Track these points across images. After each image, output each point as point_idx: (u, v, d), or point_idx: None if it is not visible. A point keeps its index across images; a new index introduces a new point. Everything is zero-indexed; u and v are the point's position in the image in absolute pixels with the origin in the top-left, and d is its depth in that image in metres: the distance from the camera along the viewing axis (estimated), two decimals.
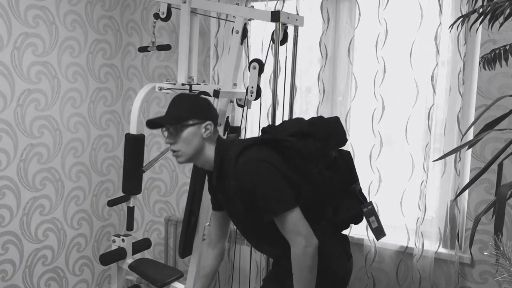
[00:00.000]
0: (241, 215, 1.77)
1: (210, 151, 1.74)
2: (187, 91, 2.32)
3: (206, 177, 1.97)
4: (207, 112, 1.75)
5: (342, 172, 1.79)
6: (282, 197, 1.61)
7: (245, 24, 2.21)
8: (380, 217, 2.37)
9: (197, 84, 2.39)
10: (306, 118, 1.87)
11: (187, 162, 1.77)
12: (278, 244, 1.69)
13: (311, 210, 1.70)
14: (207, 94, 2.19)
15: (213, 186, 1.84)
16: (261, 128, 1.89)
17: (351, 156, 1.88)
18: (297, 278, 1.62)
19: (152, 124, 1.75)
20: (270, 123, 2.24)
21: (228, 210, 1.84)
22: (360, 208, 1.82)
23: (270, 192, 1.62)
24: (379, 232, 1.90)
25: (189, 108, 1.72)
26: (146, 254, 3.05)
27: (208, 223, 2.36)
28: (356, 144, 2.44)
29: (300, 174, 1.70)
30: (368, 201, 1.86)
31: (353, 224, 1.87)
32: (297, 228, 1.60)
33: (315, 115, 2.48)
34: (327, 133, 1.79)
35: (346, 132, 2.40)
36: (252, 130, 2.72)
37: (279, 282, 1.79)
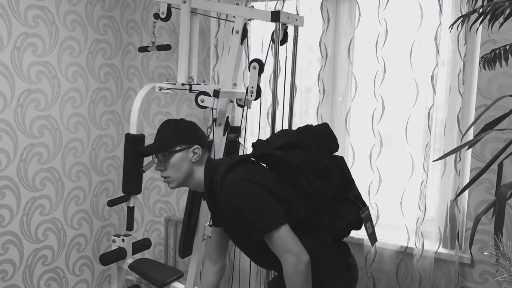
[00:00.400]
0: (237, 233, 1.79)
1: (200, 173, 1.77)
2: (187, 91, 2.32)
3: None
4: (193, 136, 1.79)
5: (334, 180, 1.76)
6: (268, 215, 1.59)
7: (245, 24, 2.21)
8: (380, 217, 2.39)
9: (197, 84, 2.39)
10: (306, 118, 1.87)
11: (179, 187, 1.81)
12: (278, 260, 1.64)
13: (307, 220, 1.69)
14: (207, 94, 2.19)
15: (209, 205, 1.86)
16: (251, 144, 1.88)
17: (345, 162, 1.84)
18: None
19: (142, 153, 1.84)
20: (269, 128, 2.25)
21: (225, 228, 1.86)
22: (358, 213, 1.79)
23: (255, 211, 1.61)
24: (373, 237, 1.90)
25: (175, 134, 1.77)
26: (146, 254, 3.05)
27: (208, 223, 2.36)
28: (356, 144, 2.44)
29: (292, 186, 1.70)
30: (365, 205, 1.83)
31: (354, 230, 1.84)
32: (286, 246, 1.58)
33: (315, 115, 2.49)
34: (316, 141, 1.78)
35: (347, 132, 2.42)
36: (252, 130, 2.72)
37: None
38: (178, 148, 1.75)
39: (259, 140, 1.88)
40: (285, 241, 1.58)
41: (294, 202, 1.66)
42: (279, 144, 1.76)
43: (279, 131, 1.93)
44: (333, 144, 1.83)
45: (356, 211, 1.79)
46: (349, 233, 1.82)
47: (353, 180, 1.84)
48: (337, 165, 1.80)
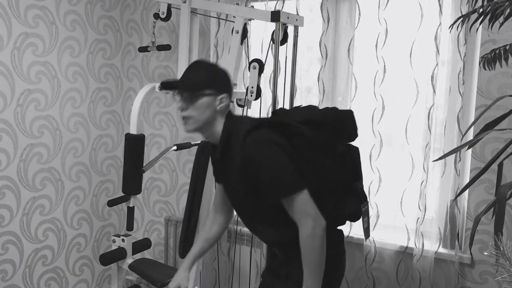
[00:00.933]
0: (239, 194, 1.73)
1: (219, 124, 1.69)
2: None
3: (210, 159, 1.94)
4: (224, 84, 1.69)
5: (347, 168, 1.77)
6: (291, 178, 1.59)
7: (245, 24, 2.21)
8: (380, 217, 2.39)
9: None
10: None
11: (194, 131, 1.70)
12: (273, 229, 1.69)
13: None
14: None
15: (215, 160, 1.80)
16: (271, 110, 1.85)
17: (359, 152, 1.84)
18: (306, 262, 1.60)
19: (167, 85, 1.68)
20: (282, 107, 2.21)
21: (226, 188, 1.79)
22: (359, 206, 1.81)
23: (278, 173, 1.59)
24: (367, 232, 1.91)
25: (208, 76, 1.67)
26: (146, 254, 3.05)
27: None
28: (356, 144, 2.44)
29: (305, 163, 1.67)
30: (367, 200, 1.85)
31: (350, 221, 1.85)
32: (306, 209, 1.58)
33: None
34: (339, 124, 1.77)
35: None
36: None
37: (279, 283, 1.77)
38: (207, 91, 1.65)
39: (281, 109, 1.87)
40: (305, 205, 1.58)
41: (306, 179, 1.63)
42: (302, 118, 1.74)
43: (305, 106, 1.90)
44: (354, 131, 1.84)
45: (358, 204, 1.80)
46: (345, 222, 1.83)
47: (361, 173, 1.84)
48: (351, 156, 1.81)
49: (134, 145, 2.33)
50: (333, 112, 1.81)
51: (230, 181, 1.74)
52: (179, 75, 2.37)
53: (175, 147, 2.34)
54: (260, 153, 1.59)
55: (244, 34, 2.23)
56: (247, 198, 1.69)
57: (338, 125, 1.77)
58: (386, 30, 2.27)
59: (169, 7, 2.48)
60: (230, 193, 1.79)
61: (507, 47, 1.52)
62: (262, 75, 2.18)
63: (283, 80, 2.28)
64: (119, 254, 2.43)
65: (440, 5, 2.16)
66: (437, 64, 2.19)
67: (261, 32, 2.57)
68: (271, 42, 2.27)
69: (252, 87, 2.13)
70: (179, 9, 2.39)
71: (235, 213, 1.88)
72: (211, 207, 1.96)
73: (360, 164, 1.84)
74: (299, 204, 1.58)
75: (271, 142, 1.61)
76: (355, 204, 1.80)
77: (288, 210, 1.61)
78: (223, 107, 1.68)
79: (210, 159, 1.92)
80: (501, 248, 1.03)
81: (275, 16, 2.10)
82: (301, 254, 1.60)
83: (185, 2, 2.35)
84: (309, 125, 1.71)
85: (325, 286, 1.65)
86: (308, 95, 2.61)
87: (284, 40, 2.23)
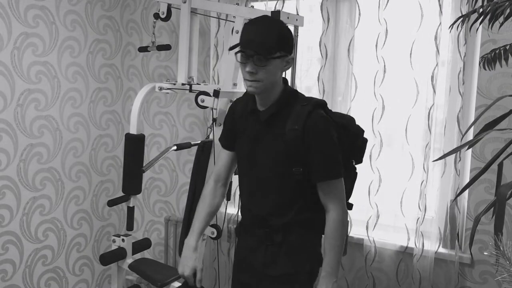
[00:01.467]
0: (273, 161, 1.68)
1: (278, 87, 1.67)
2: (187, 91, 2.32)
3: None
4: (292, 45, 1.67)
5: (346, 184, 1.77)
6: (340, 164, 1.66)
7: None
8: (380, 217, 2.39)
9: (197, 84, 2.39)
10: None
11: (260, 94, 1.66)
12: (289, 207, 1.69)
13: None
14: (207, 94, 2.19)
15: (245, 122, 1.74)
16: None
17: (356, 177, 1.90)
18: (332, 245, 1.64)
19: (252, 43, 1.58)
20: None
21: (253, 154, 1.72)
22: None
23: (333, 155, 1.64)
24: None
25: (279, 38, 1.60)
26: (146, 254, 3.05)
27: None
28: None
29: None
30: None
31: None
32: (341, 196, 1.67)
33: None
34: (356, 136, 1.84)
35: None
36: None
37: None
38: (278, 54, 1.59)
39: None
40: (342, 192, 1.68)
41: None
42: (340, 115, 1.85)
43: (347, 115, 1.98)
44: (362, 153, 1.92)
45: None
46: None
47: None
48: (354, 176, 1.89)
49: (134, 145, 2.33)
50: (353, 121, 1.86)
51: (268, 146, 1.69)
52: (179, 75, 2.38)
53: (175, 147, 2.34)
54: (326, 129, 1.63)
55: None
56: (281, 167, 1.67)
57: (355, 137, 1.82)
58: (386, 30, 2.27)
59: (169, 7, 2.47)
60: (257, 160, 1.72)
61: (507, 47, 1.52)
62: None
63: None
64: (119, 254, 2.42)
65: (440, 5, 2.16)
66: (437, 64, 2.19)
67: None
68: None
69: None
70: (179, 9, 2.39)
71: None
72: (211, 177, 1.89)
73: (352, 188, 1.88)
74: (339, 189, 1.66)
75: (334, 125, 1.68)
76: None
77: (324, 193, 1.66)
78: (288, 68, 1.68)
79: (229, 120, 1.83)
80: (501, 248, 1.03)
81: (275, 16, 2.10)
82: (327, 239, 1.66)
83: (185, 2, 2.35)
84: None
85: (310, 273, 1.73)
86: (308, 95, 2.60)
87: None
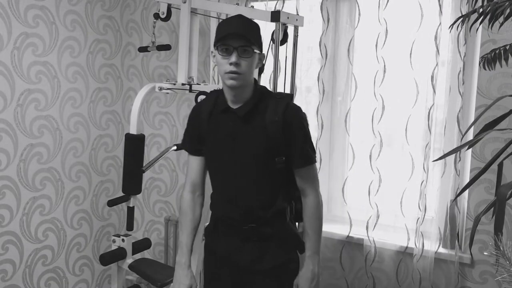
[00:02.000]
0: (254, 155, 1.72)
1: (251, 83, 1.73)
2: (187, 91, 2.32)
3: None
4: (262, 43, 1.75)
5: None
6: (314, 150, 1.79)
7: None
8: (380, 217, 2.38)
9: (197, 84, 2.39)
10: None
11: (237, 88, 1.68)
12: (271, 197, 1.75)
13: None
14: (207, 94, 2.19)
15: (215, 122, 1.76)
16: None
17: None
18: (314, 228, 1.77)
19: (236, 36, 1.62)
20: None
21: (230, 151, 1.74)
22: None
23: (310, 142, 1.77)
24: None
25: (257, 33, 1.70)
26: (146, 254, 3.05)
27: (208, 223, 2.36)
28: (356, 144, 2.45)
29: None
30: None
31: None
32: (317, 179, 1.79)
33: (315, 115, 2.49)
34: None
35: (346, 132, 2.43)
36: None
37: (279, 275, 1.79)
38: (258, 48, 1.69)
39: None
40: (317, 176, 1.80)
41: None
42: None
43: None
44: None
45: None
46: None
47: None
48: None
49: (134, 145, 2.33)
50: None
51: (248, 141, 1.72)
52: (179, 75, 2.38)
53: (175, 147, 2.34)
54: (303, 120, 1.76)
55: None
56: (264, 159, 1.72)
57: None
58: (386, 30, 2.27)
59: (169, 7, 2.47)
60: (237, 156, 1.74)
61: (507, 47, 1.53)
62: (262, 75, 2.18)
63: (283, 80, 2.28)
64: (119, 254, 2.43)
65: (440, 5, 2.16)
66: (437, 64, 2.19)
67: (261, 32, 2.56)
68: (271, 42, 2.27)
69: None
70: (179, 9, 2.39)
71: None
72: (186, 188, 1.88)
73: None
74: (315, 174, 1.78)
75: (305, 115, 1.80)
76: None
77: (302, 178, 1.76)
78: (260, 65, 1.75)
79: (197, 124, 1.84)
80: (501, 248, 1.03)
81: (275, 16, 2.10)
82: (308, 221, 1.77)
83: (185, 2, 2.35)
84: None
85: (298, 262, 1.83)
86: (308, 95, 2.61)
87: (284, 40, 2.23)
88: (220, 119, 1.76)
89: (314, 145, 1.82)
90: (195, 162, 1.87)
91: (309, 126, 1.79)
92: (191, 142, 1.87)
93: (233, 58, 1.62)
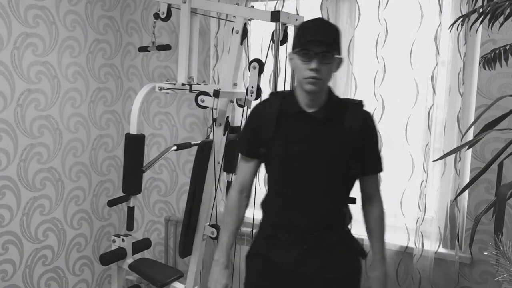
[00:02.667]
0: (328, 160, 1.68)
1: (326, 87, 1.72)
2: (187, 91, 2.32)
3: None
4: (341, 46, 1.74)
5: None
6: None
7: (245, 24, 2.21)
8: None
9: (197, 84, 2.39)
10: None
11: (317, 92, 1.66)
12: (340, 202, 1.76)
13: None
14: (207, 94, 2.19)
15: (284, 125, 1.70)
16: None
17: None
18: (382, 232, 1.79)
19: (318, 42, 1.59)
20: None
21: (305, 155, 1.68)
22: None
23: (380, 149, 1.80)
24: None
25: (339, 38, 1.68)
26: (146, 254, 3.05)
27: (208, 223, 2.36)
28: None
29: None
30: None
31: None
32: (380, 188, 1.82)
33: None
34: None
35: None
36: None
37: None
38: (338, 54, 1.67)
39: None
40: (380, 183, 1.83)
41: None
42: None
43: None
44: None
45: None
46: None
47: None
48: None
49: (134, 145, 2.33)
50: None
51: (325, 146, 1.68)
52: (179, 75, 2.38)
53: (175, 147, 2.34)
54: (375, 126, 1.77)
55: (244, 34, 2.23)
56: (339, 164, 1.69)
57: None
58: (386, 30, 2.27)
59: (169, 7, 2.47)
60: (311, 160, 1.68)
61: (507, 47, 1.53)
62: (262, 75, 2.18)
63: (283, 80, 2.28)
64: (119, 254, 2.43)
65: (440, 5, 2.16)
66: (437, 64, 2.19)
67: (261, 32, 2.57)
68: (271, 42, 2.27)
69: (252, 87, 2.13)
70: (179, 9, 2.39)
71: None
72: (234, 188, 1.83)
73: None
74: (379, 180, 1.82)
75: None
76: None
77: (373, 184, 1.79)
78: (338, 69, 1.73)
79: (273, 124, 1.74)
80: (501, 248, 1.02)
81: (275, 16, 2.09)
82: (377, 226, 1.79)
83: (185, 2, 2.34)
84: None
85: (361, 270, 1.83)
86: None
87: (284, 40, 2.22)
88: (292, 122, 1.70)
89: None
90: (249, 165, 1.81)
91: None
92: (250, 145, 1.78)
93: (314, 64, 1.59)
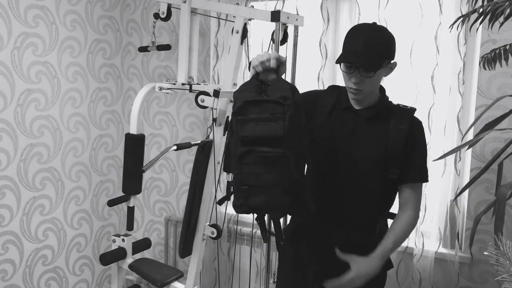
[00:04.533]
0: (369, 158, 1.65)
1: (377, 90, 1.69)
2: (187, 91, 2.32)
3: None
4: (395, 51, 1.64)
5: None
6: (427, 169, 1.73)
7: (245, 24, 2.21)
8: None
9: (197, 84, 2.39)
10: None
11: (361, 99, 1.66)
12: (375, 206, 1.70)
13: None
14: (207, 94, 2.19)
15: (333, 116, 1.69)
16: None
17: None
18: (398, 238, 1.65)
19: (357, 54, 1.55)
20: None
21: (349, 149, 1.66)
22: None
23: (426, 160, 1.71)
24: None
25: (385, 48, 1.59)
26: (146, 254, 3.05)
27: (208, 223, 2.36)
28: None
29: None
30: None
31: None
32: (420, 200, 1.73)
33: None
34: None
35: None
36: None
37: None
38: (383, 63, 1.59)
39: None
40: (421, 197, 1.75)
41: None
42: None
43: None
44: None
45: None
46: None
47: None
48: None
49: (134, 145, 2.33)
50: None
51: (368, 143, 1.66)
52: (179, 75, 2.38)
53: (175, 147, 2.34)
54: (424, 135, 1.71)
55: (244, 34, 2.23)
56: (377, 165, 1.65)
57: None
58: None
59: (169, 7, 2.47)
60: (354, 155, 1.66)
61: (507, 47, 1.53)
62: None
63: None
64: (119, 254, 2.43)
65: (440, 5, 2.16)
66: (437, 64, 2.19)
67: (261, 32, 2.57)
68: (271, 42, 2.27)
69: None
70: (179, 9, 2.39)
71: None
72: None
73: None
74: (421, 193, 1.74)
75: None
76: None
77: (411, 194, 1.67)
78: (390, 73, 1.68)
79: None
80: (501, 248, 1.02)
81: (275, 16, 2.09)
82: (398, 229, 1.66)
83: (185, 2, 2.35)
84: None
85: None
86: None
87: (284, 40, 2.22)
88: (340, 115, 1.70)
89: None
90: None
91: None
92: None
93: (354, 79, 1.59)
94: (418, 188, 1.71)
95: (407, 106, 1.71)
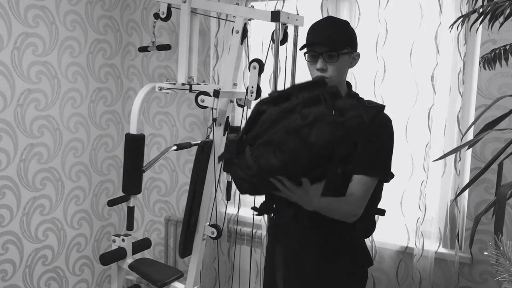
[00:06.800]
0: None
1: (343, 83, 1.71)
2: (187, 91, 2.32)
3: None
4: (357, 41, 1.70)
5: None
6: (387, 167, 1.69)
7: (245, 24, 2.21)
8: (380, 217, 2.38)
9: (197, 84, 2.39)
10: None
11: None
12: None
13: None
14: (207, 94, 2.19)
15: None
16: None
17: None
18: (333, 204, 1.61)
19: (321, 42, 1.63)
20: None
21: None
22: None
23: (386, 155, 1.68)
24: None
25: (346, 33, 1.66)
26: (146, 254, 3.05)
27: (208, 223, 2.36)
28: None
29: None
30: None
31: None
32: (365, 196, 1.63)
33: None
34: None
35: None
36: None
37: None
38: (347, 50, 1.65)
39: None
40: (368, 193, 1.64)
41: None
42: None
43: None
44: None
45: None
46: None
47: None
48: None
49: (134, 145, 2.33)
50: None
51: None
52: (179, 75, 2.38)
53: (175, 147, 2.34)
54: (389, 132, 1.68)
55: (244, 34, 2.23)
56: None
57: None
58: (386, 30, 2.27)
59: (169, 7, 2.47)
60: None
61: (507, 47, 1.53)
62: (262, 75, 2.17)
63: (283, 80, 2.28)
64: (119, 254, 2.42)
65: (440, 5, 2.16)
66: (437, 64, 2.19)
67: (261, 32, 2.57)
68: (271, 42, 2.27)
69: (252, 87, 2.13)
70: (179, 9, 2.39)
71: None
72: None
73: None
74: (367, 188, 1.63)
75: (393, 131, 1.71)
76: None
77: (355, 185, 1.62)
78: (354, 65, 1.70)
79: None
80: (501, 248, 1.02)
81: (275, 16, 2.09)
82: (338, 200, 1.61)
83: (185, 2, 2.34)
84: None
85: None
86: None
87: (284, 40, 2.22)
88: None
89: None
90: None
91: (392, 142, 1.70)
92: None
93: (319, 65, 1.65)
94: (363, 181, 1.63)
95: (373, 104, 1.70)
